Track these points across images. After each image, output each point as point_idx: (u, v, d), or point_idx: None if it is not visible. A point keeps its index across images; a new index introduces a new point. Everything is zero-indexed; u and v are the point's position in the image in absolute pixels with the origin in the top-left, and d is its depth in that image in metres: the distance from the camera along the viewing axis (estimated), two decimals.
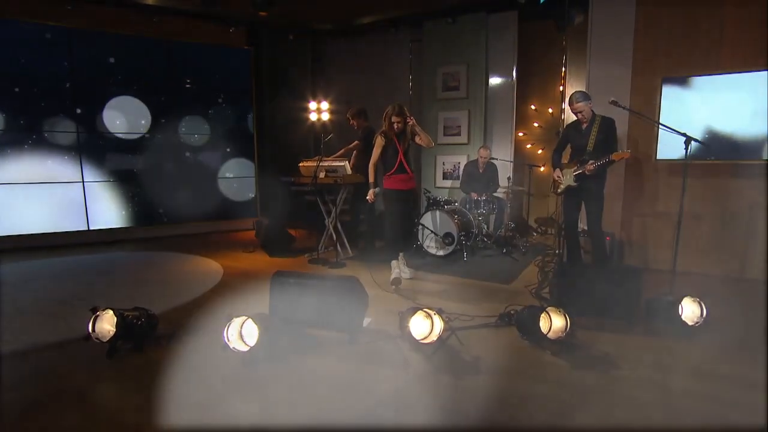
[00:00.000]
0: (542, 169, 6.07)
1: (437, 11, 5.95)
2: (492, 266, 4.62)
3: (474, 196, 5.34)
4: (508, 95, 5.94)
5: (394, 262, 3.91)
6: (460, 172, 6.11)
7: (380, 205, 4.15)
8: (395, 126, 3.75)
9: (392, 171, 3.85)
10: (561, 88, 5.98)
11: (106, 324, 2.57)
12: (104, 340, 2.51)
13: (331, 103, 6.76)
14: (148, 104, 5.95)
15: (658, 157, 4.05)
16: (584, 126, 3.64)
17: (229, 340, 2.40)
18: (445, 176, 6.34)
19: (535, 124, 6.30)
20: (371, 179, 3.93)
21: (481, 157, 5.51)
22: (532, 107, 6.28)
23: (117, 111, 5.79)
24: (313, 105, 6.73)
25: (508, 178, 5.41)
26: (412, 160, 4.02)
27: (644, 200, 4.39)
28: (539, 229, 6.33)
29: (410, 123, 3.76)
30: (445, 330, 2.60)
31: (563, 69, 5.11)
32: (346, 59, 7.05)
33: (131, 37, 5.76)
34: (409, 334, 2.57)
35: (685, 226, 4.17)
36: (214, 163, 6.45)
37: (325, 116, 6.74)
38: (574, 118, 3.71)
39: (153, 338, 2.74)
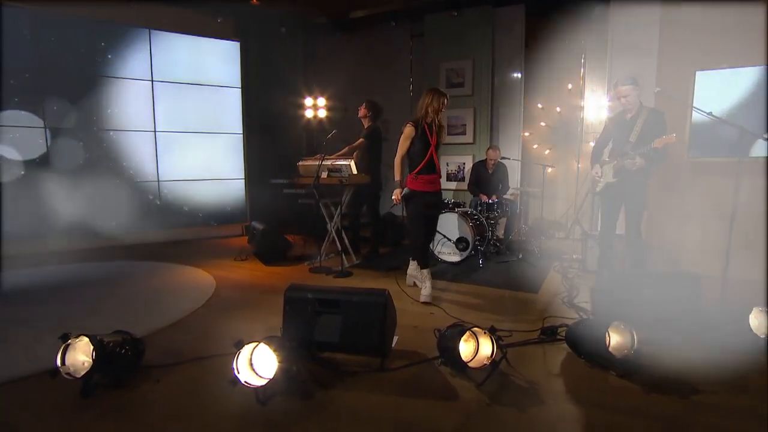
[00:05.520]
0: (550, 170, 5.78)
1: (440, 3, 5.62)
2: (511, 273, 4.26)
3: (484, 198, 4.99)
4: (515, 92, 5.65)
5: (425, 272, 3.46)
6: (466, 173, 5.78)
7: (389, 206, 3.69)
8: (440, 111, 3.28)
9: (419, 169, 3.32)
10: (569, 86, 5.75)
11: (80, 354, 2.06)
12: (78, 376, 1.99)
13: (327, 99, 6.31)
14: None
15: (689, 155, 3.78)
16: (629, 116, 3.26)
17: (239, 372, 1.93)
18: (449, 177, 5.99)
19: (542, 124, 6.01)
20: (397, 177, 3.41)
21: (489, 159, 5.18)
22: (539, 106, 6.00)
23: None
24: (308, 101, 6.27)
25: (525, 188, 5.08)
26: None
27: (673, 200, 4.11)
28: (548, 233, 6.02)
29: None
30: (497, 353, 2.19)
31: (582, 58, 4.81)
32: (342, 54, 6.63)
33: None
34: (458, 357, 2.15)
35: (712, 228, 3.93)
36: (198, 163, 5.89)
37: (322, 113, 6.29)
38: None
39: (139, 370, 2.23)
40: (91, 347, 2.02)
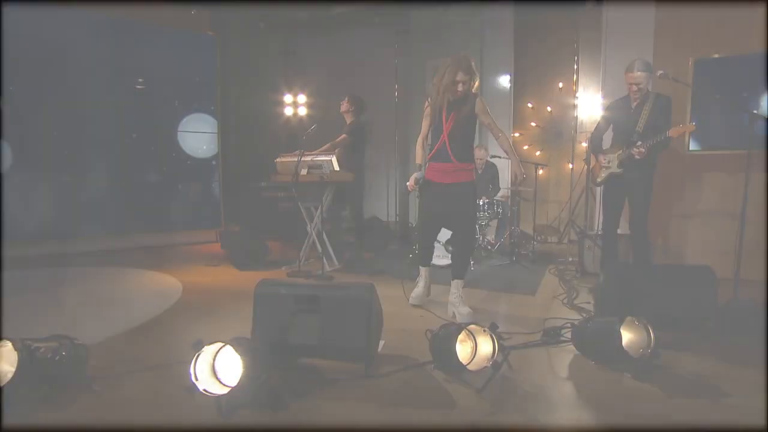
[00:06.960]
0: (541, 171, 5.60)
1: None
2: (505, 276, 4.04)
3: None
4: (505, 91, 5.48)
5: (422, 270, 3.13)
6: None
7: (373, 209, 3.40)
8: (458, 88, 2.59)
9: (431, 155, 2.81)
10: (560, 85, 5.63)
11: (3, 363, 1.70)
12: None
13: (308, 96, 6.05)
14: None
15: (690, 149, 3.62)
16: (635, 104, 3.09)
17: (197, 379, 1.61)
18: None
19: (533, 124, 5.86)
20: (418, 159, 2.89)
21: (477, 158, 4.97)
22: (529, 105, 5.85)
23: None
24: (288, 98, 6.00)
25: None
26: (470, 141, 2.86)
27: (672, 197, 3.92)
28: (538, 238, 5.82)
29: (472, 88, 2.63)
30: (498, 354, 1.92)
31: (575, 56, 4.67)
32: (323, 51, 6.39)
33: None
34: (454, 359, 1.87)
35: (713, 226, 3.77)
36: (170, 166, 5.53)
37: (302, 110, 6.02)
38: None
39: (80, 381, 1.87)
40: (17, 354, 1.68)
